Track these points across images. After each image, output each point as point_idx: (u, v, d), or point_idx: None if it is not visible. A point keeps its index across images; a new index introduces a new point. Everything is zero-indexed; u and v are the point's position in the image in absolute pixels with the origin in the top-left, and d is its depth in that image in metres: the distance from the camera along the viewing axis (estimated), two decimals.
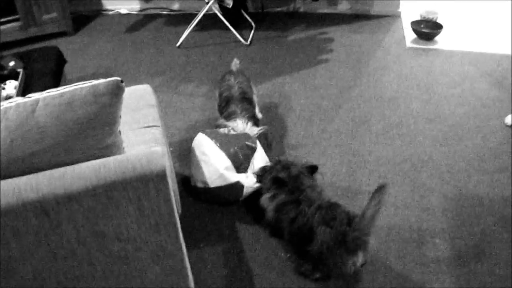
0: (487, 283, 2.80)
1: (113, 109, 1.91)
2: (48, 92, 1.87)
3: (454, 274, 2.85)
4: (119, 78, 1.89)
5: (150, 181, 1.86)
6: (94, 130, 1.89)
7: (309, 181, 3.00)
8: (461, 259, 2.94)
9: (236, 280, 2.87)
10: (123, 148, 2.10)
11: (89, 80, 1.93)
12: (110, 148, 1.98)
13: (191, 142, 3.53)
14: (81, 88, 1.86)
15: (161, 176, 1.87)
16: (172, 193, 2.04)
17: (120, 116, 2.00)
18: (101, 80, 1.88)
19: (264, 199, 3.06)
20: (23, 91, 3.67)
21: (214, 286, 2.83)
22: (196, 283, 2.79)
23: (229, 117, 3.64)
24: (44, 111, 1.82)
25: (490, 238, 3.08)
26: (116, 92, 1.88)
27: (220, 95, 3.85)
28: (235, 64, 4.13)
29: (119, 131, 2.05)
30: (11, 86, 3.66)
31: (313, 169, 3.09)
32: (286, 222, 2.92)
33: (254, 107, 3.82)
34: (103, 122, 1.90)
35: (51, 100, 1.83)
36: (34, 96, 1.87)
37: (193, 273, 2.82)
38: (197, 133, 3.45)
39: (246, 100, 3.77)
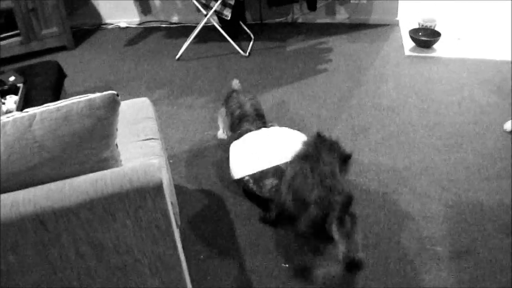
0: (483, 280, 2.80)
1: (110, 122, 1.92)
2: (45, 107, 1.88)
3: (455, 282, 2.85)
4: (115, 92, 1.90)
5: (147, 193, 1.87)
6: (91, 143, 1.90)
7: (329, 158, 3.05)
8: (462, 267, 2.94)
9: None
10: (121, 161, 2.11)
11: (89, 93, 1.94)
12: (107, 161, 1.99)
13: (191, 154, 3.55)
14: (77, 102, 1.87)
15: (158, 188, 1.88)
16: (169, 206, 2.05)
17: (117, 129, 2.01)
18: (97, 94, 1.89)
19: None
20: (23, 106, 3.69)
21: None
22: None
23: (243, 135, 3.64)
24: (41, 125, 1.83)
25: (491, 245, 3.08)
26: (112, 105, 1.89)
27: (232, 114, 3.83)
28: (236, 84, 4.14)
29: (116, 144, 2.06)
30: (11, 101, 3.68)
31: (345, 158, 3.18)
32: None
33: (266, 123, 3.82)
34: (100, 135, 1.91)
35: (48, 115, 1.84)
36: (31, 110, 1.88)
37: (193, 285, 2.83)
38: (197, 145, 3.46)
39: (259, 116, 3.78)
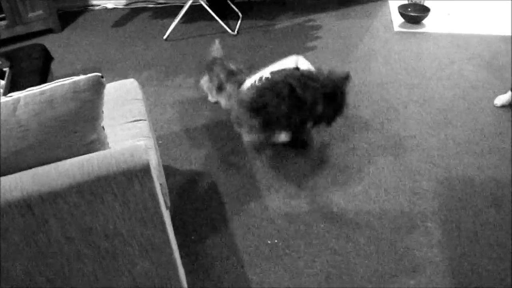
0: (480, 265, 2.80)
1: (95, 104, 1.90)
2: (29, 90, 1.86)
3: (446, 257, 2.85)
4: (99, 74, 1.88)
5: (134, 175, 1.86)
6: (77, 126, 1.88)
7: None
8: (453, 242, 2.94)
9: (228, 271, 2.87)
10: (108, 144, 2.09)
11: (78, 75, 1.92)
12: (94, 144, 1.97)
13: (180, 135, 3.54)
14: (62, 85, 1.85)
15: (145, 170, 1.86)
16: (158, 187, 2.04)
17: (103, 112, 1.99)
18: (82, 77, 1.87)
19: None
20: (9, 90, 3.66)
21: (206, 278, 2.83)
22: (187, 275, 2.79)
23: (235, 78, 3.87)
24: (26, 110, 1.81)
25: (481, 220, 3.08)
26: (96, 87, 1.87)
27: (217, 76, 3.97)
28: (218, 48, 4.19)
29: (103, 127, 2.04)
30: None
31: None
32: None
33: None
34: (85, 118, 1.89)
35: (32, 98, 1.82)
36: (16, 94, 1.86)
37: (184, 266, 2.82)
38: (186, 125, 3.47)
39: (248, 70, 4.01)
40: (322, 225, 3.11)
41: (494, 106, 4.09)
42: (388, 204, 3.22)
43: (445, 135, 3.80)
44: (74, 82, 1.85)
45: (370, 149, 3.70)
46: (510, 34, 5.26)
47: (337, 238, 3.01)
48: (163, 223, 2.04)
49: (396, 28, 5.61)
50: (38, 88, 1.86)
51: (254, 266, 2.88)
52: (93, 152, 1.96)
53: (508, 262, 2.81)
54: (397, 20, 5.77)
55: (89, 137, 1.94)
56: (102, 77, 1.90)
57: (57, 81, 1.89)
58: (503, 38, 5.19)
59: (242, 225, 3.15)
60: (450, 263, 2.82)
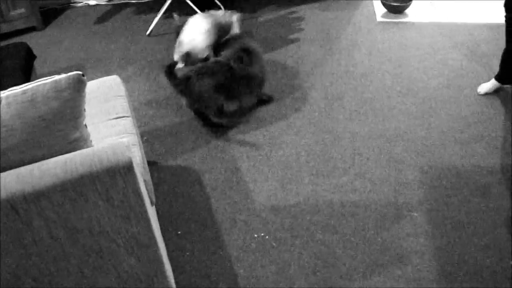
0: (466, 254, 2.82)
1: (76, 103, 1.90)
2: (11, 90, 1.86)
3: (433, 246, 2.86)
4: (80, 72, 1.88)
5: (117, 173, 1.86)
6: (59, 125, 1.88)
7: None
8: (439, 231, 2.96)
9: (215, 265, 2.87)
10: (91, 141, 2.09)
11: (60, 74, 1.92)
12: (76, 142, 1.97)
13: (164, 130, 3.55)
14: (43, 84, 1.85)
15: (128, 167, 1.86)
16: (141, 184, 2.04)
17: (85, 110, 1.99)
18: (62, 75, 1.87)
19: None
20: None
21: (193, 273, 2.84)
22: (174, 270, 2.80)
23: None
24: (8, 109, 1.81)
25: (467, 208, 3.10)
26: (78, 86, 1.88)
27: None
28: (177, 19, 4.58)
29: (85, 125, 2.04)
30: None
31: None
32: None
33: None
34: (67, 116, 1.89)
35: (13, 98, 1.82)
36: None
37: (171, 262, 2.82)
38: (170, 121, 3.51)
39: None
40: (308, 217, 3.12)
41: (478, 94, 4.11)
42: (373, 194, 3.23)
43: (429, 124, 3.82)
44: (55, 81, 1.85)
45: (355, 140, 3.71)
46: (493, 21, 5.27)
47: (323, 230, 3.02)
48: (147, 219, 2.05)
49: (379, 18, 5.62)
50: (20, 88, 1.86)
51: (241, 260, 2.89)
52: (76, 150, 1.96)
53: (495, 250, 2.83)
54: (380, 10, 5.78)
55: (71, 135, 1.94)
56: (83, 75, 1.90)
57: (38, 80, 1.89)
58: (486, 26, 5.20)
59: (228, 219, 3.16)
60: (437, 252, 2.83)
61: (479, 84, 4.20)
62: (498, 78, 4.04)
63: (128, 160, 1.86)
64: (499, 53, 4.01)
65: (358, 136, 3.75)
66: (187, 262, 2.90)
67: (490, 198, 3.16)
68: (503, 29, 3.81)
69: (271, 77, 4.59)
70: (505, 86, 4.09)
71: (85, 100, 1.96)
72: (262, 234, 3.03)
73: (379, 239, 2.93)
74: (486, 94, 4.09)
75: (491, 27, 5.17)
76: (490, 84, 4.08)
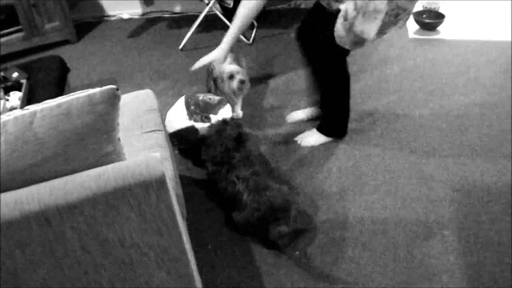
0: (496, 273, 2.79)
1: (110, 117, 1.92)
2: (46, 103, 1.88)
3: (463, 265, 2.84)
4: (114, 86, 1.90)
5: (149, 187, 1.87)
6: (93, 138, 1.89)
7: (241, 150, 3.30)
8: (469, 250, 2.93)
9: (245, 280, 2.87)
10: (124, 155, 2.11)
11: (93, 87, 1.94)
12: (110, 155, 1.98)
13: None
14: (77, 98, 1.87)
15: (161, 181, 1.87)
16: (174, 198, 2.05)
17: (118, 124, 2.01)
18: (97, 89, 1.89)
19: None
20: (27, 102, 3.69)
21: (223, 287, 2.84)
22: (204, 285, 2.80)
23: None
24: (42, 122, 1.82)
25: (498, 226, 3.07)
26: (112, 100, 1.89)
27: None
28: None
29: (119, 138, 2.05)
30: (15, 97, 3.68)
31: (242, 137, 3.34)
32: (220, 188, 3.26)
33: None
34: (101, 130, 1.90)
35: (48, 111, 1.84)
36: (32, 107, 1.88)
37: (201, 275, 2.83)
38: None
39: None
40: (338, 233, 3.11)
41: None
42: (404, 212, 3.22)
43: (461, 141, 3.80)
44: (90, 95, 1.87)
45: (386, 157, 3.70)
46: None
47: (353, 247, 3.01)
48: (179, 233, 2.05)
49: (411, 35, 5.61)
50: (54, 101, 1.88)
51: (271, 275, 2.88)
52: (109, 163, 1.97)
53: None
54: (413, 27, 5.77)
55: (105, 149, 1.95)
56: (117, 89, 1.91)
57: (73, 93, 1.91)
58: None
59: None
60: (467, 271, 2.81)
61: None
62: None
63: (161, 174, 1.87)
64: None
65: (389, 153, 3.73)
66: (217, 277, 2.90)
67: None
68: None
69: (303, 93, 4.60)
70: None
71: (119, 114, 1.98)
72: (292, 250, 3.03)
73: (409, 256, 2.92)
74: None
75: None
76: None
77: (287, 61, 5.26)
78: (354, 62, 5.04)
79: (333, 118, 3.91)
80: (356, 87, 4.60)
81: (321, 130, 3.95)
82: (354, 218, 3.21)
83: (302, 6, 6.64)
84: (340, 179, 3.53)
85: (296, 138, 3.99)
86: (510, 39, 5.28)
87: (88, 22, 6.81)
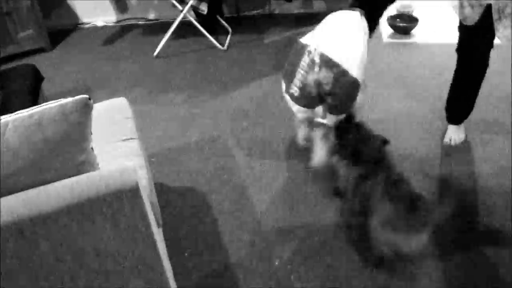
0: (474, 276, 2.81)
1: (83, 126, 1.91)
2: (18, 114, 1.87)
3: (441, 268, 2.86)
4: (86, 96, 1.90)
5: (123, 196, 1.86)
6: (65, 148, 1.89)
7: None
8: (447, 253, 2.95)
9: (222, 287, 2.87)
10: (97, 164, 2.10)
11: (68, 95, 1.94)
12: (83, 165, 1.98)
13: (171, 152, 3.57)
14: (49, 108, 1.86)
15: (134, 190, 1.87)
16: (148, 207, 2.05)
17: (91, 133, 2.00)
18: (69, 99, 1.89)
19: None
20: (1, 112, 3.66)
21: None
22: None
23: None
24: (14, 133, 1.82)
25: (476, 231, 3.10)
26: (84, 109, 1.89)
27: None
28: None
29: (92, 148, 2.05)
30: None
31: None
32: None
33: None
34: (74, 140, 1.90)
35: (20, 122, 1.83)
36: (4, 118, 1.87)
37: (178, 283, 2.82)
38: (177, 142, 3.49)
39: None
40: (316, 239, 3.12)
41: None
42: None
43: (435, 145, 3.82)
44: (62, 105, 1.87)
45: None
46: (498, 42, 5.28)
47: (331, 252, 3.02)
48: (154, 242, 2.05)
49: (386, 39, 5.64)
50: (26, 111, 1.87)
51: (248, 281, 2.88)
52: (83, 173, 1.96)
53: (504, 269, 2.83)
54: (387, 31, 5.80)
55: (78, 158, 1.95)
56: (89, 99, 1.91)
57: (45, 104, 1.90)
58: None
59: (235, 240, 3.16)
60: (444, 273, 2.83)
61: None
62: None
63: (134, 184, 1.87)
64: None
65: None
66: (194, 284, 2.90)
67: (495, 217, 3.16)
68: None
69: (278, 98, 4.61)
70: None
71: (91, 123, 1.97)
72: (270, 256, 3.03)
73: (388, 261, 2.93)
74: None
75: (496, 47, 5.18)
76: None
77: (261, 67, 5.27)
78: None
79: (471, 105, 3.88)
80: None
81: (460, 120, 3.95)
82: (331, 223, 3.22)
83: (276, 11, 6.65)
84: (317, 184, 3.54)
85: (445, 140, 3.93)
86: None
87: (62, 29, 6.78)
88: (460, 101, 3.80)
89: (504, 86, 4.45)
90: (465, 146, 3.81)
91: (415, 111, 4.26)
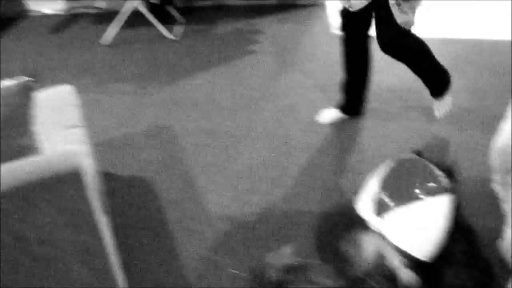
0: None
1: (25, 109, 1.89)
2: None
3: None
4: (28, 78, 1.87)
5: (66, 181, 1.84)
6: (7, 131, 1.86)
7: None
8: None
9: (169, 276, 2.85)
10: (41, 149, 2.07)
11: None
12: (25, 149, 1.95)
13: (119, 141, 3.54)
14: None
15: (77, 175, 1.85)
16: (91, 193, 2.02)
17: (34, 117, 1.98)
18: (10, 81, 1.86)
19: None
20: None
21: (148, 284, 2.82)
22: (129, 281, 2.77)
23: None
24: None
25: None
26: (25, 92, 1.86)
27: None
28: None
29: (35, 132, 2.02)
30: None
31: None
32: None
33: None
34: (15, 122, 1.87)
35: None
36: None
37: (125, 272, 2.80)
38: (123, 131, 3.46)
39: None
40: (263, 227, 3.11)
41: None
42: (327, 203, 3.24)
43: (388, 135, 3.85)
44: (3, 87, 1.84)
45: (307, 151, 3.72)
46: (444, 37, 5.33)
47: (276, 239, 3.02)
48: (97, 229, 2.03)
49: (336, 30, 5.66)
50: None
51: (195, 269, 2.87)
52: (25, 157, 1.93)
53: None
54: (337, 23, 5.81)
55: (19, 142, 1.92)
56: (32, 81, 1.88)
57: None
58: (439, 41, 5.26)
59: (183, 229, 3.14)
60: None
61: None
62: None
63: (77, 168, 1.84)
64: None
65: (311, 147, 3.76)
66: (141, 272, 2.88)
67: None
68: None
69: (227, 89, 4.60)
70: None
71: (34, 107, 1.94)
72: (216, 244, 3.02)
73: (333, 245, 2.93)
74: None
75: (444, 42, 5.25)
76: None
77: (211, 58, 5.26)
78: (278, 58, 5.08)
79: (438, 79, 3.99)
80: (280, 82, 4.64)
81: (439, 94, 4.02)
82: (278, 211, 3.22)
83: (228, 2, 6.64)
84: (264, 173, 3.55)
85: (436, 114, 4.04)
86: (436, 37, 5.36)
87: (9, 17, 6.67)
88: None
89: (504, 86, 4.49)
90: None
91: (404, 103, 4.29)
